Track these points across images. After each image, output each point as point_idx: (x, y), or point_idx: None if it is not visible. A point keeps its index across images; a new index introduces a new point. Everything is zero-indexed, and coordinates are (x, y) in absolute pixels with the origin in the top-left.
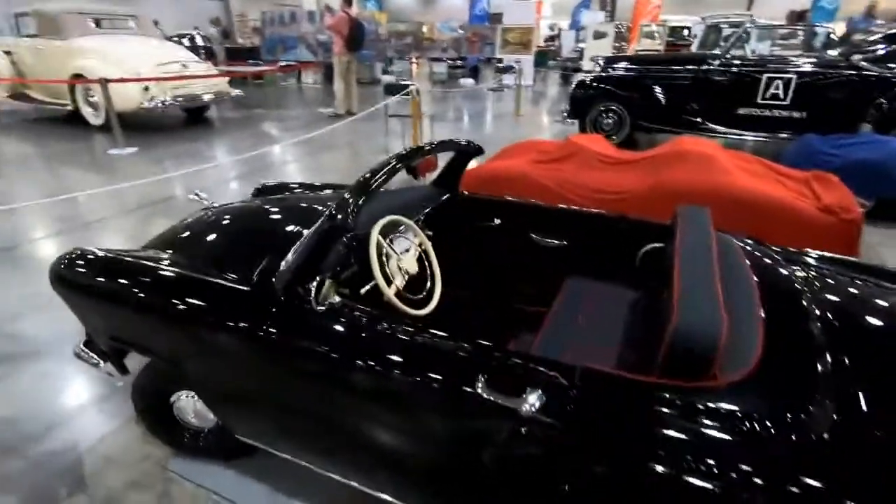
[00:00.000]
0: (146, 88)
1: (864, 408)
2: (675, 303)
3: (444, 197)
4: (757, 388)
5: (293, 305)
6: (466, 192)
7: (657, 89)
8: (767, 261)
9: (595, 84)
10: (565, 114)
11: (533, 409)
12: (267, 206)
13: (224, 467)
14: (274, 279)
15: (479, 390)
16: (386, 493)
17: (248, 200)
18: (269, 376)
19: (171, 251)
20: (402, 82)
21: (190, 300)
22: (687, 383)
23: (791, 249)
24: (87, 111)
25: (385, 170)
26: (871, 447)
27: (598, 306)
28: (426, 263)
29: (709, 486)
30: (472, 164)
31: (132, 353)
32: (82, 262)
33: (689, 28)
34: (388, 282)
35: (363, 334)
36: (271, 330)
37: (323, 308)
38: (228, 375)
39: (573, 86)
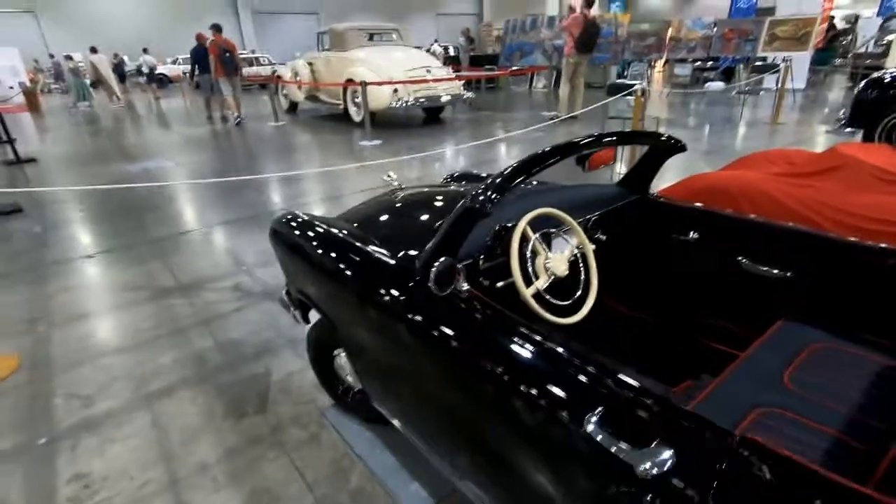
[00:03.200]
0: (395, 91)
1: None
2: None
3: (631, 199)
4: None
5: (424, 285)
6: (662, 197)
7: None
8: None
9: None
10: (843, 121)
11: (655, 470)
12: (444, 193)
13: (365, 429)
14: (417, 257)
15: (590, 427)
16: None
17: (434, 185)
18: (398, 352)
19: (355, 223)
20: (628, 82)
21: (347, 266)
22: None
23: None
24: (352, 110)
25: (546, 157)
26: None
27: (819, 367)
28: (581, 269)
29: None
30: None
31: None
32: (290, 222)
33: None
34: (528, 280)
35: (481, 328)
36: (403, 306)
37: (443, 292)
38: (369, 343)
39: (861, 85)
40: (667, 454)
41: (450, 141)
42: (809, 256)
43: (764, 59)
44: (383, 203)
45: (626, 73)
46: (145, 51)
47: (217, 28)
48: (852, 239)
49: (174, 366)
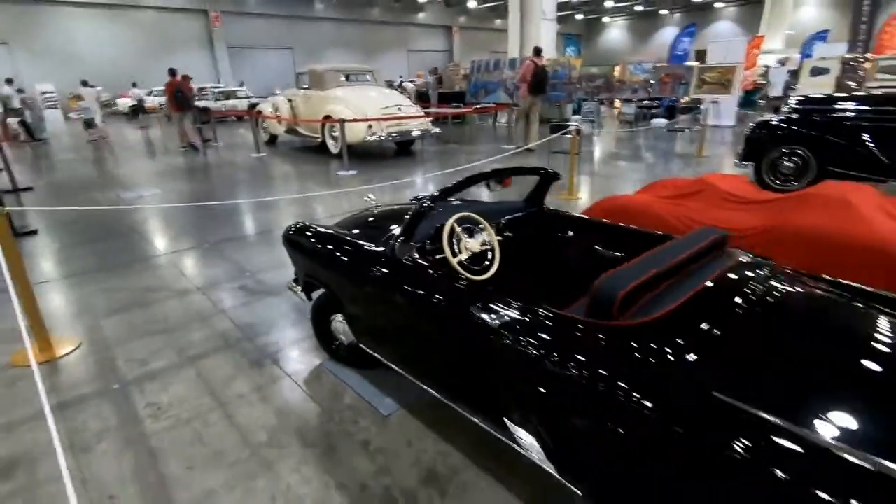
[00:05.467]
0: (370, 126)
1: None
2: (610, 272)
3: (530, 210)
4: (637, 334)
5: (394, 259)
6: (549, 209)
7: (858, 132)
8: (748, 272)
9: (780, 124)
10: (741, 155)
11: (497, 323)
12: (407, 208)
13: (352, 371)
14: (388, 244)
15: (473, 311)
16: (436, 391)
17: (401, 203)
18: (380, 304)
19: (347, 228)
20: (566, 123)
21: (346, 254)
22: (590, 320)
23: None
24: (330, 143)
25: (466, 181)
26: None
27: None
28: (489, 250)
29: (576, 377)
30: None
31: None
32: (300, 229)
33: None
34: (454, 254)
35: (427, 282)
36: (383, 274)
37: (406, 261)
38: (362, 302)
39: (751, 126)
40: (503, 317)
41: (418, 171)
42: (635, 245)
43: (699, 100)
44: (365, 215)
45: (580, 110)
46: (134, 85)
47: (171, 72)
48: (659, 232)
49: (205, 340)
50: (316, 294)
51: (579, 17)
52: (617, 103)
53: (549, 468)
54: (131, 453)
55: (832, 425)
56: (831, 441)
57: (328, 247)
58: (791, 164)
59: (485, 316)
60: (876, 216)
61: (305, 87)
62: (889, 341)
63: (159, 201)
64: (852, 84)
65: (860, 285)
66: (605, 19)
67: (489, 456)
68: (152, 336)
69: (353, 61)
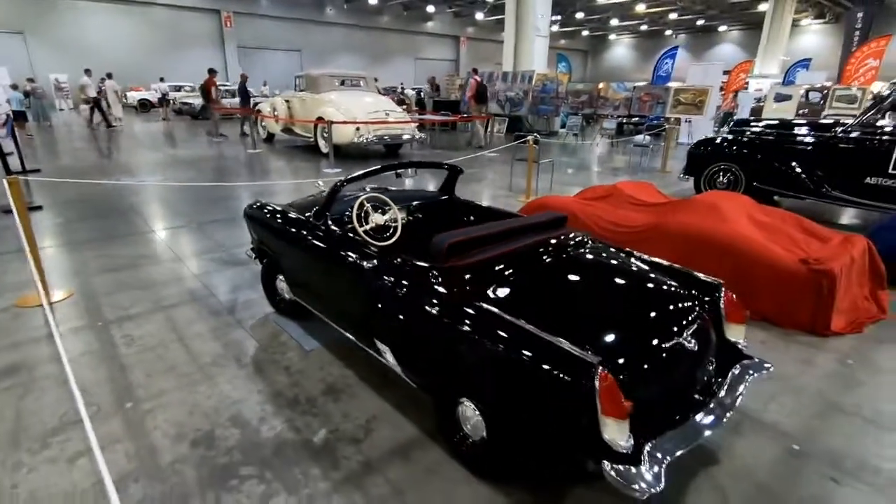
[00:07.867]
0: (357, 129)
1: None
2: (445, 233)
3: (442, 198)
4: (450, 271)
5: (312, 226)
6: (458, 198)
7: (779, 153)
8: (557, 241)
9: (717, 143)
10: (684, 169)
11: (371, 267)
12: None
13: (289, 320)
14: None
15: (357, 260)
16: (340, 327)
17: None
18: (304, 261)
19: (296, 207)
20: (525, 133)
21: (282, 225)
22: (425, 263)
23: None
24: (321, 143)
25: (373, 169)
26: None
27: None
28: (393, 225)
29: (415, 304)
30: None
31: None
32: (256, 206)
33: None
34: (361, 223)
35: (339, 244)
36: (307, 238)
37: (322, 228)
38: (292, 260)
39: (693, 143)
40: (374, 263)
41: None
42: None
43: (679, 119)
44: (313, 199)
45: (568, 124)
46: (162, 80)
47: (210, 71)
48: (525, 216)
49: (177, 294)
50: (266, 260)
51: (585, 33)
52: (597, 119)
53: (398, 370)
54: (106, 366)
55: (548, 324)
56: (533, 328)
57: (271, 219)
58: (724, 180)
59: (366, 263)
60: (737, 219)
61: (302, 89)
62: (630, 291)
63: (159, 187)
64: (818, 111)
65: (653, 258)
66: (612, 37)
67: (374, 374)
68: (134, 290)
69: (360, 67)
